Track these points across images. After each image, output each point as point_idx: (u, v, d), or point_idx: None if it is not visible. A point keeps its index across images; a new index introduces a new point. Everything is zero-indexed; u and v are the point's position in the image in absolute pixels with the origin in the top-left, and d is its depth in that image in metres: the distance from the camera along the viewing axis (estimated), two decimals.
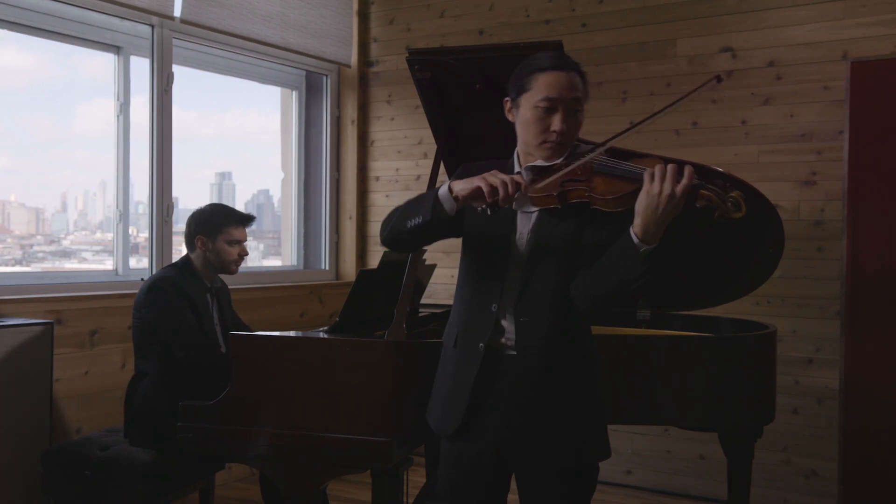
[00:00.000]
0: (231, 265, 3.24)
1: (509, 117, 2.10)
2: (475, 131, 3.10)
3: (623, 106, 4.41)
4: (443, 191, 1.97)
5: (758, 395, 2.98)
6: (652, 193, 1.80)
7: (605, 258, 1.93)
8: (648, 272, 1.85)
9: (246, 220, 3.27)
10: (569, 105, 1.98)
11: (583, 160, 1.95)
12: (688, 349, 2.93)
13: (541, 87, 1.98)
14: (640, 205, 1.82)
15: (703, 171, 3.15)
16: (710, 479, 4.19)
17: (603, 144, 2.00)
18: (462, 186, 1.93)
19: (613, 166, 1.95)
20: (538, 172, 2.02)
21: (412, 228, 2.01)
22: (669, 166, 1.82)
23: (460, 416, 2.07)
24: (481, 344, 2.06)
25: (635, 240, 1.84)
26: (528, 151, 2.07)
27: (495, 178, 1.89)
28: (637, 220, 1.84)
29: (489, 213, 1.96)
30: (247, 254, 3.29)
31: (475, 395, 2.06)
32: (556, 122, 1.97)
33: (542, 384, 2.03)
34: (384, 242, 2.13)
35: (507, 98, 2.09)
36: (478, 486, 2.10)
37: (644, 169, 1.86)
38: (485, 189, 1.88)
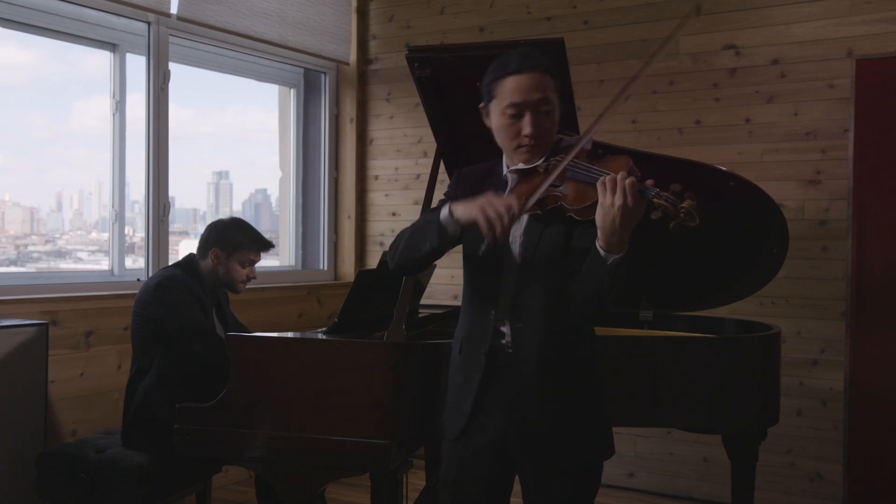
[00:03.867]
0: (238, 284, 3.24)
1: (486, 123, 2.09)
2: (475, 129, 3.03)
3: (625, 104, 4.36)
4: (444, 215, 1.96)
5: (762, 396, 2.96)
6: (605, 205, 1.79)
7: (582, 274, 1.92)
8: (620, 280, 1.84)
9: (266, 246, 3.28)
10: (536, 107, 1.97)
11: (556, 172, 1.91)
12: (691, 350, 2.91)
13: (505, 93, 1.97)
14: (598, 218, 1.82)
15: (705, 171, 3.15)
16: (714, 481, 4.15)
17: (578, 144, 1.96)
18: (461, 213, 1.92)
19: (585, 172, 1.92)
20: (522, 175, 2.03)
21: (422, 256, 2.02)
22: (619, 176, 1.79)
23: (464, 421, 2.08)
24: (483, 353, 2.06)
25: (601, 252, 1.84)
26: (508, 155, 2.08)
27: (491, 209, 1.84)
28: (599, 233, 1.83)
29: (490, 247, 1.95)
30: (255, 277, 3.28)
31: (478, 400, 2.06)
32: (526, 126, 1.97)
33: (542, 386, 2.02)
34: (394, 271, 2.14)
35: (481, 104, 2.09)
36: (481, 485, 2.09)
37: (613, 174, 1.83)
38: (483, 226, 1.85)
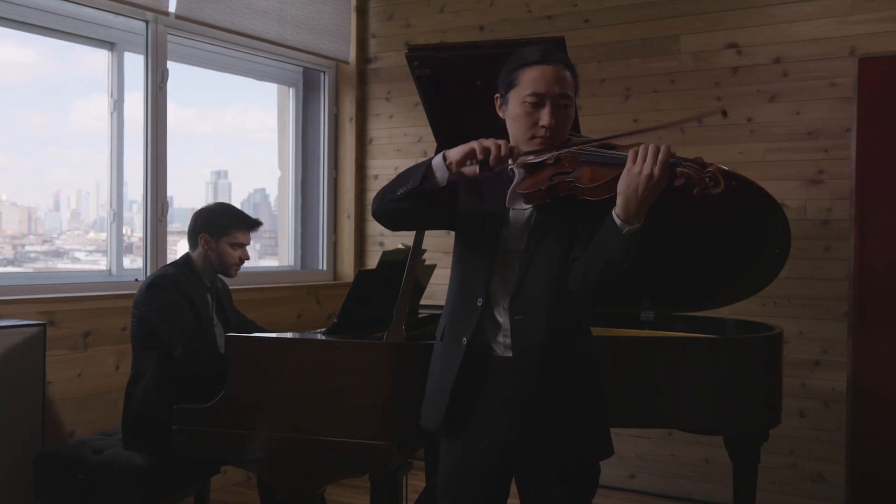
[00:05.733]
0: (231, 268, 3.22)
1: (500, 114, 2.09)
2: (476, 129, 3.01)
3: (626, 103, 4.35)
4: (436, 159, 1.98)
5: (764, 397, 2.94)
6: (632, 173, 1.80)
7: (592, 244, 1.92)
8: (633, 253, 1.84)
9: (253, 224, 3.26)
10: (556, 99, 1.97)
11: (565, 150, 1.95)
12: (692, 351, 2.90)
13: (527, 82, 1.98)
14: (621, 185, 1.82)
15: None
16: (715, 483, 4.13)
17: (596, 140, 1.98)
18: (455, 151, 1.94)
19: (598, 154, 1.94)
20: (529, 170, 2.01)
21: (401, 196, 2.00)
22: (650, 146, 1.80)
23: (442, 412, 2.07)
24: (465, 339, 2.05)
25: (617, 221, 1.83)
26: (520, 146, 2.05)
27: (489, 141, 1.90)
28: (618, 200, 1.83)
29: (478, 171, 1.94)
30: (248, 258, 3.28)
31: (457, 391, 2.05)
32: (545, 117, 1.97)
33: (542, 384, 2.00)
34: (374, 214, 2.12)
35: (496, 94, 2.09)
36: (479, 488, 2.07)
37: (625, 153, 1.84)
38: (477, 149, 1.90)
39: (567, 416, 2.01)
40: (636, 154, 1.80)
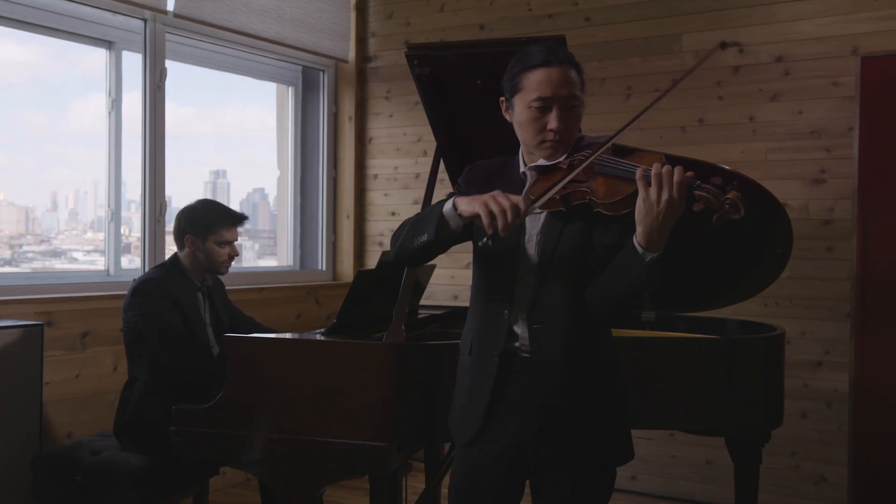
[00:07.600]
0: (221, 266, 3.17)
1: (507, 117, 2.04)
2: (476, 128, 3.03)
3: (627, 102, 4.33)
4: (447, 208, 1.90)
5: (765, 398, 2.92)
6: (650, 200, 1.74)
7: (613, 267, 1.88)
8: (657, 279, 1.80)
9: (238, 220, 3.20)
10: (564, 102, 1.92)
11: (583, 165, 1.89)
12: (694, 351, 2.88)
13: (532, 86, 1.92)
14: (640, 213, 1.77)
15: (708, 169, 3.11)
16: (717, 484, 4.11)
17: (608, 141, 1.93)
18: (466, 205, 1.85)
19: (614, 166, 1.89)
20: (542, 172, 1.98)
21: (419, 246, 1.95)
22: (664, 169, 1.74)
23: (477, 426, 2.03)
24: (496, 354, 2.00)
25: (639, 249, 1.79)
26: (529, 151, 2.03)
27: (496, 203, 1.76)
28: (638, 229, 1.78)
29: (489, 243, 1.89)
30: (237, 254, 3.23)
31: (491, 404, 2.01)
32: (553, 121, 1.92)
33: (560, 388, 1.97)
34: (395, 258, 2.08)
35: (502, 98, 2.04)
36: (492, 489, 2.04)
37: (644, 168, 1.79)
38: (484, 219, 1.77)
39: (586, 412, 1.98)
40: (648, 180, 1.74)
